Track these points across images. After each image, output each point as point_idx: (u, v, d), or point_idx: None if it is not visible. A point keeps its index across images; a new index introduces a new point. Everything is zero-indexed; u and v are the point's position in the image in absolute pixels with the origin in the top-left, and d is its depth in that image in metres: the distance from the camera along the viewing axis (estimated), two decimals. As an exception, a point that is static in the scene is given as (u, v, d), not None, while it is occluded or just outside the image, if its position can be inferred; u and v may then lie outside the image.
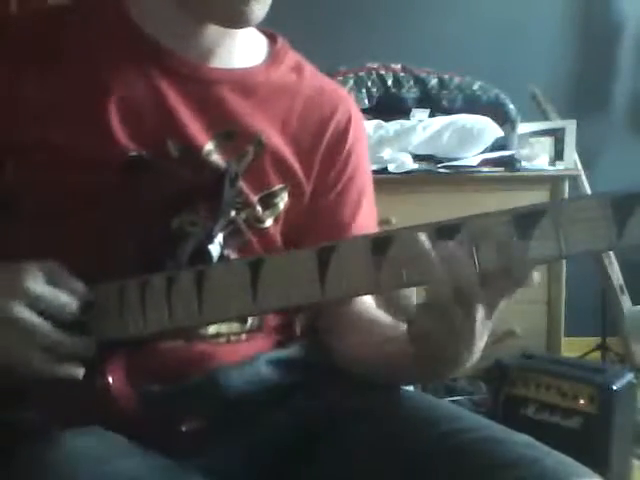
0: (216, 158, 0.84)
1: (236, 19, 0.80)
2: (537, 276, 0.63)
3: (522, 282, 0.63)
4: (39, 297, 0.72)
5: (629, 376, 1.78)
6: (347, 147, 0.94)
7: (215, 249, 0.81)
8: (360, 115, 0.99)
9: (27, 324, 0.71)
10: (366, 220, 0.96)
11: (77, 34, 0.84)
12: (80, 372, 0.73)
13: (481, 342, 0.70)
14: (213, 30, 0.84)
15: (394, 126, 2.38)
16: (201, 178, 0.83)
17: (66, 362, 0.73)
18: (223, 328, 0.87)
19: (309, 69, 0.95)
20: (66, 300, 0.73)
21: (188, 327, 0.81)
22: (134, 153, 0.81)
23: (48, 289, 0.73)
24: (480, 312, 0.66)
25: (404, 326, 0.81)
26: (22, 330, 0.71)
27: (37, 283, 0.73)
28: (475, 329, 0.67)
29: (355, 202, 0.95)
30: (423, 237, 0.63)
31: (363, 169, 0.97)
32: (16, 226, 0.84)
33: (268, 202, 0.89)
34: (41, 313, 0.72)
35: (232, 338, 0.88)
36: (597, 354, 2.66)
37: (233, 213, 0.85)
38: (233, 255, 0.86)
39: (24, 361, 0.72)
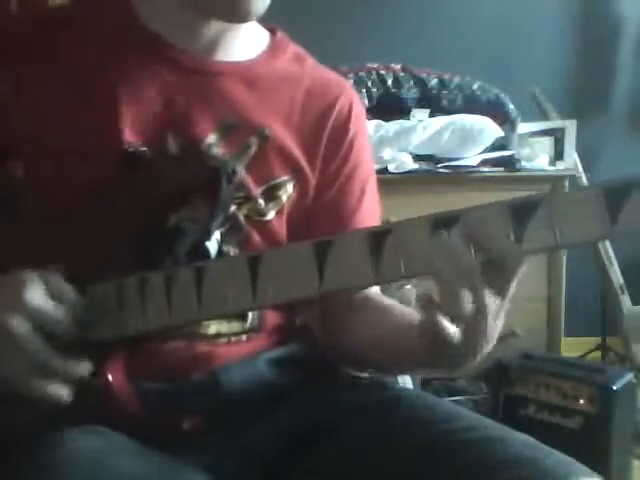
0: (217, 152, 0.84)
1: (238, 13, 0.80)
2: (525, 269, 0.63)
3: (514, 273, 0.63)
4: (37, 311, 0.71)
5: (629, 376, 1.78)
6: (348, 138, 0.93)
7: (212, 246, 0.81)
8: (361, 107, 0.98)
9: (21, 339, 0.70)
10: (369, 213, 0.95)
11: (79, 30, 0.84)
12: (66, 394, 0.71)
13: (492, 340, 0.70)
14: (216, 24, 0.84)
15: (394, 126, 2.38)
16: (199, 174, 0.82)
17: (55, 382, 0.71)
18: (223, 328, 0.87)
19: (310, 60, 0.95)
20: (62, 317, 0.72)
21: (188, 324, 0.81)
22: (131, 149, 0.81)
23: (47, 304, 0.71)
24: (491, 306, 0.66)
25: (413, 313, 0.81)
26: (16, 344, 0.70)
27: (37, 296, 0.71)
28: (488, 324, 0.67)
29: (358, 195, 0.94)
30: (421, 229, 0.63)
31: (365, 161, 0.96)
32: (15, 224, 0.84)
33: (271, 194, 0.88)
34: (39, 327, 0.71)
35: (232, 339, 0.88)
36: (597, 354, 2.67)
37: (233, 208, 0.85)
38: (233, 251, 0.86)
39: (13, 374, 0.71)
